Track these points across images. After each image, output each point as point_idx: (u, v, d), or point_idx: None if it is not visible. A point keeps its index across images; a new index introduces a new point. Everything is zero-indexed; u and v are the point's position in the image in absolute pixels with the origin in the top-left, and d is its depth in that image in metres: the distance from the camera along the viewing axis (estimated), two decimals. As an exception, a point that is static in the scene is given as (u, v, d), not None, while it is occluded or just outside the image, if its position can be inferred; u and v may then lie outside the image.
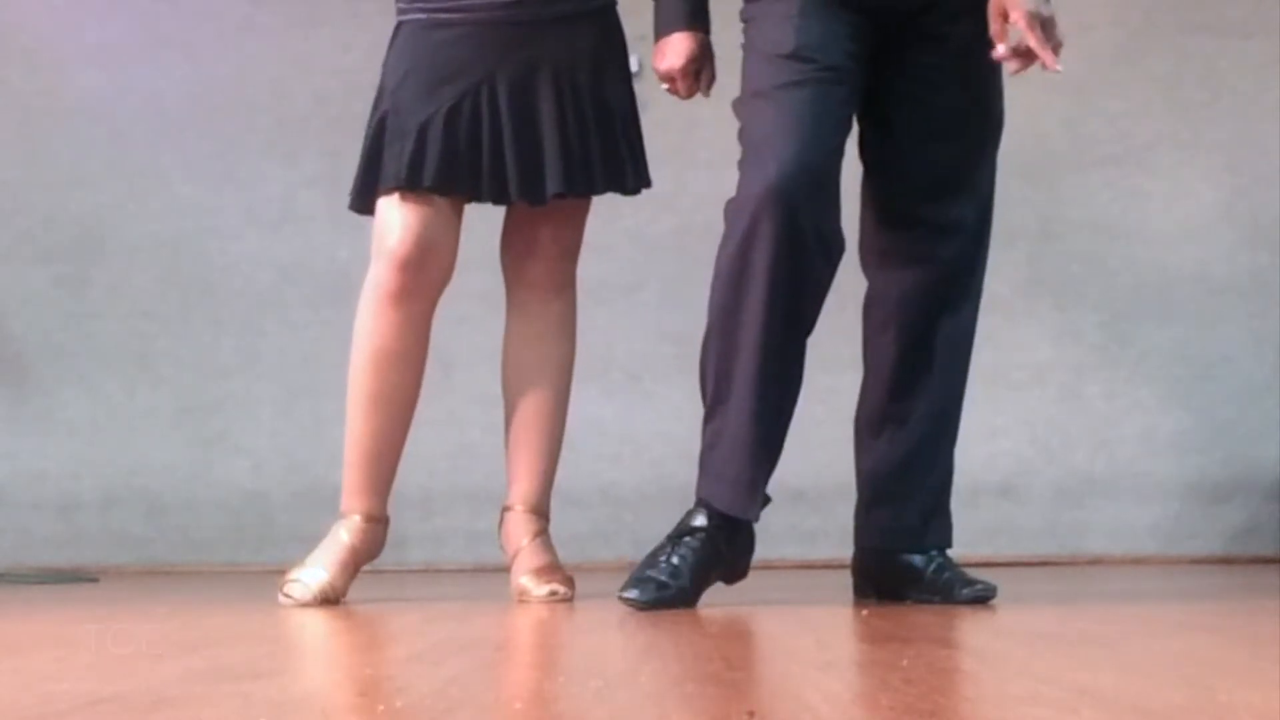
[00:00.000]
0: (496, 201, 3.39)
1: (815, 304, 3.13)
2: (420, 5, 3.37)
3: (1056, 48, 3.04)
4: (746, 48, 3.21)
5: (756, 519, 3.14)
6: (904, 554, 3.24)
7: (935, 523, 3.27)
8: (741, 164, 3.11)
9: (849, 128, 3.18)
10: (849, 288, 3.28)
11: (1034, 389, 4.96)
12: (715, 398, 3.13)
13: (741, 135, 3.14)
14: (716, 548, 3.11)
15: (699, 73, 3.27)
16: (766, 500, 3.16)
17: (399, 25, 3.41)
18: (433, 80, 3.33)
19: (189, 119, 5.02)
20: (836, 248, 3.12)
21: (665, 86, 3.29)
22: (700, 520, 3.12)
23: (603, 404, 4.86)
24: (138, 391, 5.01)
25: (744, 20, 3.24)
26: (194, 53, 5.05)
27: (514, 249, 3.49)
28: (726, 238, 3.10)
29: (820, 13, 3.13)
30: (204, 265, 5.02)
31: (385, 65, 3.41)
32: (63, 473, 4.98)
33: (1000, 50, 3.06)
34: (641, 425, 4.86)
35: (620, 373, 4.88)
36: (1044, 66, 3.06)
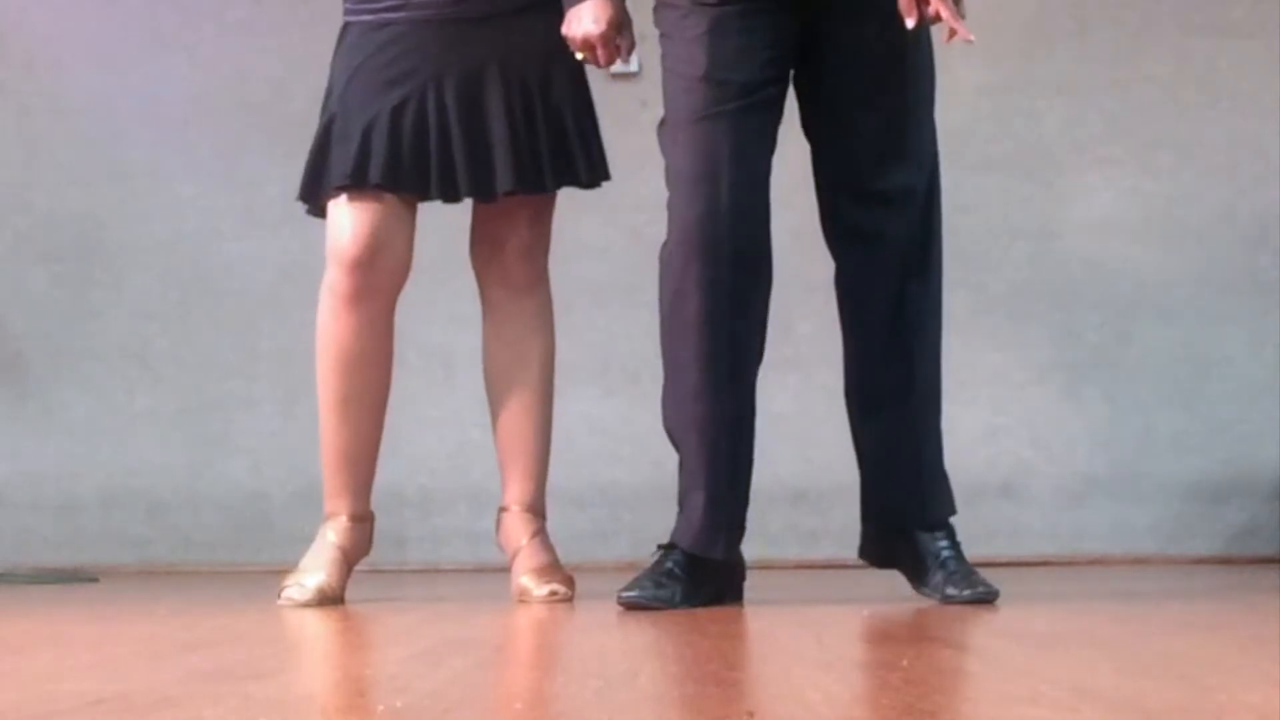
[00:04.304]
0: (446, 199, 3.36)
1: (759, 335, 3.15)
2: (367, 5, 3.35)
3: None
4: (663, 64, 3.17)
5: (723, 556, 3.15)
6: (912, 529, 3.22)
7: (937, 492, 3.25)
8: (668, 206, 3.12)
9: (773, 146, 3.16)
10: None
11: (1034, 389, 4.95)
12: (682, 446, 3.17)
13: (666, 174, 3.13)
14: (712, 563, 3.14)
15: (617, 39, 3.20)
16: (741, 532, 3.18)
17: (346, 26, 3.39)
18: (379, 80, 3.31)
19: (189, 119, 5.02)
20: (767, 268, 3.13)
21: (581, 56, 3.20)
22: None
23: (602, 404, 4.86)
24: (138, 391, 5.00)
25: (659, 32, 3.19)
26: (194, 53, 5.05)
27: (480, 249, 3.48)
28: (661, 288, 3.13)
29: (733, 25, 3.09)
30: (204, 265, 5.01)
31: (333, 67, 3.39)
32: (63, 473, 4.98)
33: (910, 22, 3.03)
34: (641, 425, 4.84)
35: (620, 373, 4.88)
36: (949, 37, 3.03)
